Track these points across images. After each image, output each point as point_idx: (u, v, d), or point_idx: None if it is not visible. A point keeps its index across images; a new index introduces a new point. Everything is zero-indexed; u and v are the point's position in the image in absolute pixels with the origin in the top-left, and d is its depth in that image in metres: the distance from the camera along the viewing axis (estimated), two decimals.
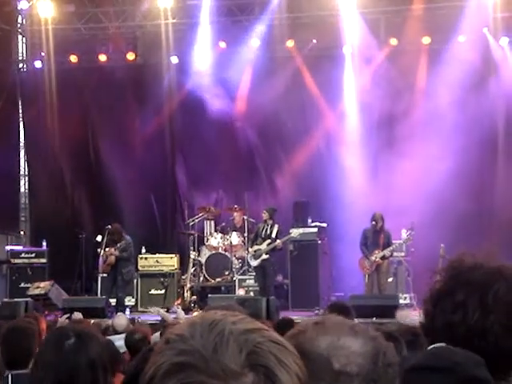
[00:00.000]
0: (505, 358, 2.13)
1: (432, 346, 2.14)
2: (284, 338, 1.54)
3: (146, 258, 16.18)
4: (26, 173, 18.90)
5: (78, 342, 3.11)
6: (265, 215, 14.72)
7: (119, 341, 5.63)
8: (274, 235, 14.46)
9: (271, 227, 14.56)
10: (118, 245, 14.53)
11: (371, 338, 1.51)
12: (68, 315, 9.26)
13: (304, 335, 1.51)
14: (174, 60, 17.58)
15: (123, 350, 5.37)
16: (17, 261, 16.24)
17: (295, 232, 14.61)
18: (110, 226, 14.71)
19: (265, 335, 1.20)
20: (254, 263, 14.58)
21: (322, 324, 1.53)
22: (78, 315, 9.45)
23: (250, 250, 14.80)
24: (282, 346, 1.20)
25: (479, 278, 2.24)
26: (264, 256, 14.42)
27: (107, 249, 14.61)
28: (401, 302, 13.54)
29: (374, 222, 13.96)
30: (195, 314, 12.61)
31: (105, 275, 15.04)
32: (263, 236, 14.56)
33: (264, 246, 14.44)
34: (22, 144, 18.77)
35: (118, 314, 11.05)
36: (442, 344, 2.13)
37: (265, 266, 14.43)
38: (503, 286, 2.23)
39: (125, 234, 14.81)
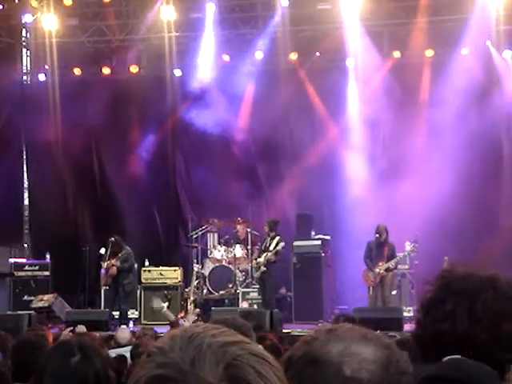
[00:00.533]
0: (494, 366, 2.12)
1: (448, 358, 2.13)
2: (296, 345, 1.53)
3: (149, 271, 16.16)
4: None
5: (84, 358, 3.12)
6: (266, 228, 14.75)
7: (124, 353, 5.63)
8: (272, 248, 14.48)
9: (271, 239, 14.59)
10: (120, 255, 14.55)
11: (384, 345, 1.48)
12: (71, 328, 9.24)
13: (316, 342, 1.49)
14: (178, 73, 17.62)
15: (129, 361, 5.38)
16: (20, 273, 16.20)
17: (281, 245, 14.57)
18: (112, 239, 14.73)
19: (245, 348, 1.19)
20: (256, 274, 14.71)
21: (334, 331, 1.51)
22: (81, 328, 9.42)
23: (253, 262, 14.85)
24: (263, 359, 1.19)
25: (468, 287, 2.25)
26: (262, 268, 14.46)
27: (109, 261, 14.63)
28: (405, 314, 13.49)
29: (377, 235, 13.94)
30: None
31: (107, 288, 15.02)
32: (263, 249, 14.62)
33: (262, 259, 14.50)
34: (25, 156, 18.75)
35: (122, 326, 11.03)
36: (457, 356, 2.13)
37: (264, 278, 14.47)
38: (491, 294, 2.22)
39: (125, 244, 14.83)
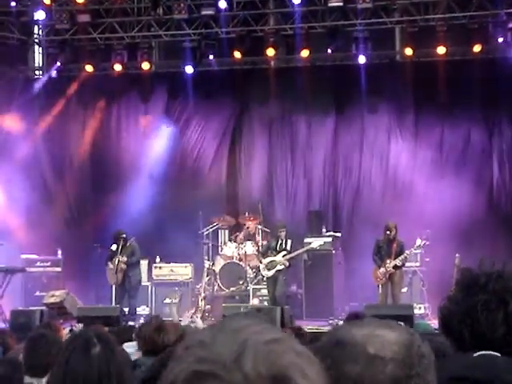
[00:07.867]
0: None
1: (478, 354, 2.14)
2: (323, 335, 1.60)
3: (160, 268, 16.21)
4: None
5: (105, 349, 3.05)
6: (283, 230, 14.61)
7: (131, 348, 5.63)
8: (288, 247, 14.44)
9: (285, 241, 14.52)
10: (124, 256, 14.71)
11: (407, 331, 1.59)
12: (70, 328, 9.25)
13: (342, 328, 1.60)
14: (189, 70, 17.61)
15: (135, 357, 5.38)
16: (32, 269, 16.24)
17: (315, 243, 14.57)
18: (124, 235, 14.83)
19: (289, 346, 1.17)
20: (269, 274, 14.55)
21: (358, 320, 1.63)
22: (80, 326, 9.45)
23: (262, 261, 14.73)
24: (307, 357, 1.18)
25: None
26: (279, 267, 14.38)
27: (120, 255, 14.77)
28: (416, 312, 13.45)
29: (387, 232, 13.88)
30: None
31: (118, 284, 15.06)
32: (278, 249, 14.49)
33: (279, 258, 14.40)
34: None
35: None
36: (487, 352, 2.14)
37: (278, 276, 14.42)
38: None
39: (132, 239, 14.91)
